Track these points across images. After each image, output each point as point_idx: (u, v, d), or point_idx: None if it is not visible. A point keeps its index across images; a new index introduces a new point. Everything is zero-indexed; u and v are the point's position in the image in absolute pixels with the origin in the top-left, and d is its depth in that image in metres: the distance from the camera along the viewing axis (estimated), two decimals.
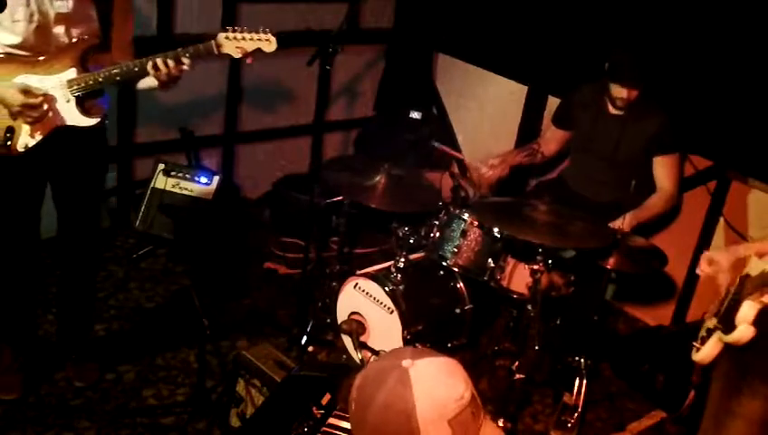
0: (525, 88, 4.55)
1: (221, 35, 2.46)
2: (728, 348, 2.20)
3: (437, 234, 3.28)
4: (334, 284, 3.42)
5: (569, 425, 3.02)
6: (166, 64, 2.49)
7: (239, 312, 3.73)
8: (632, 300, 4.15)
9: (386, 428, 1.40)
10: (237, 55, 2.48)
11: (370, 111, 5.13)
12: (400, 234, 3.30)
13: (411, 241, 3.29)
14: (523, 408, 3.26)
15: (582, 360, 3.10)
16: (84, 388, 3.06)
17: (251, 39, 2.46)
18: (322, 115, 4.30)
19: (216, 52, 2.48)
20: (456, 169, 3.58)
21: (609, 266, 3.05)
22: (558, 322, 3.36)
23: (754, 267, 2.19)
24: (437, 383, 1.40)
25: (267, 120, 4.67)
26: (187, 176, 4.02)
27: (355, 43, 4.70)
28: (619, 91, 3.39)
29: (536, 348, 3.06)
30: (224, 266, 4.02)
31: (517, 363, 3.03)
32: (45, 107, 2.53)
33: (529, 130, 4.53)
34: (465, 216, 3.22)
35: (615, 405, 3.39)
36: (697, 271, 2.37)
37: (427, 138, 4.91)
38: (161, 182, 4.00)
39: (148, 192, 4.01)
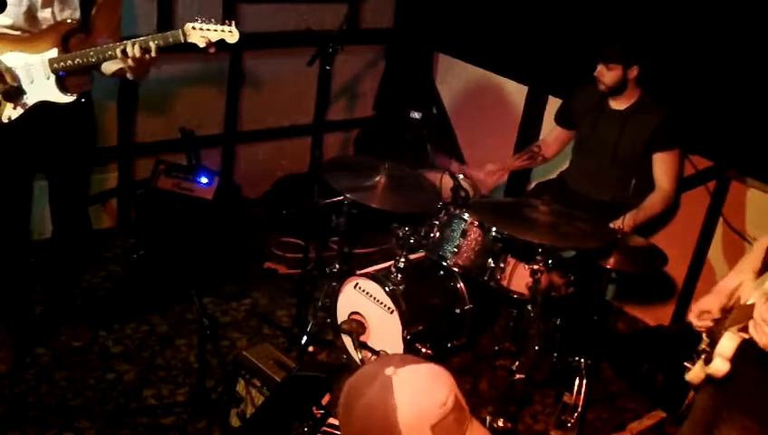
0: (525, 88, 4.55)
1: (188, 25, 2.64)
2: (709, 377, 2.14)
3: (437, 234, 3.28)
4: (334, 284, 3.42)
5: (569, 425, 3.02)
6: (134, 50, 2.64)
7: (239, 312, 3.74)
8: (632, 300, 4.15)
9: (370, 433, 1.43)
10: (202, 45, 2.66)
11: (370, 111, 5.13)
12: (400, 234, 3.29)
13: (411, 241, 3.29)
14: (523, 408, 3.26)
15: (582, 360, 3.10)
16: (84, 388, 3.06)
17: (215, 30, 2.65)
18: (322, 115, 4.29)
19: (182, 40, 2.64)
20: (455, 169, 3.58)
21: (609, 266, 3.05)
22: (558, 322, 3.36)
23: (747, 292, 2.10)
24: (419, 390, 1.42)
25: (267, 120, 4.67)
26: (187, 176, 4.03)
27: (355, 43, 4.70)
28: (598, 71, 3.44)
29: (536, 348, 3.06)
30: (224, 266, 4.02)
31: (517, 363, 3.03)
32: (15, 84, 2.72)
33: (529, 130, 4.53)
34: (466, 216, 3.22)
35: (615, 405, 3.40)
36: (691, 319, 2.24)
37: (428, 138, 4.91)
38: (161, 182, 4.00)
39: (149, 192, 4.01)
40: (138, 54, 2.63)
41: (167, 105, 4.22)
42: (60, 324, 3.32)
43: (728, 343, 2.00)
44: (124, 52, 2.64)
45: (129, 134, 4.17)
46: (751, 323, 1.91)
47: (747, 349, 1.99)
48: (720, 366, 2.02)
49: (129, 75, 2.78)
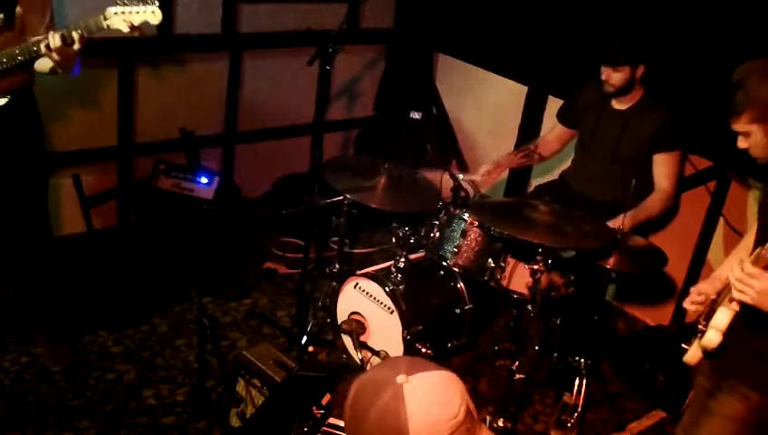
0: (525, 88, 4.55)
1: (109, 10, 2.50)
2: (706, 352, 2.20)
3: (437, 234, 3.28)
4: (334, 284, 3.42)
5: (569, 425, 3.02)
6: (56, 42, 2.51)
7: (239, 312, 3.74)
8: (632, 300, 4.15)
9: None
10: (126, 29, 2.51)
11: (370, 111, 5.13)
12: (400, 234, 3.30)
13: (411, 241, 3.29)
14: (523, 408, 3.26)
15: (582, 360, 3.10)
16: (84, 388, 3.06)
17: (137, 12, 2.50)
18: (322, 115, 4.30)
19: (104, 27, 2.52)
20: (455, 169, 3.59)
21: (609, 266, 3.05)
22: (558, 322, 3.36)
23: None
24: (431, 403, 1.39)
25: (267, 120, 4.67)
26: (187, 176, 4.03)
27: (355, 43, 4.70)
28: (602, 72, 3.44)
29: (536, 348, 3.07)
30: (224, 266, 4.02)
31: (517, 363, 3.03)
32: None
33: (529, 130, 4.53)
34: (466, 216, 3.22)
35: (615, 405, 3.39)
36: (684, 304, 2.34)
37: (428, 138, 4.92)
38: (161, 182, 4.00)
39: (149, 192, 4.01)
40: (59, 45, 2.49)
41: (167, 105, 4.22)
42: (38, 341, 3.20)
43: (722, 316, 2.07)
44: (48, 46, 2.51)
45: (130, 134, 4.17)
46: (734, 289, 1.98)
47: (738, 323, 2.06)
48: (713, 337, 2.07)
49: (58, 69, 2.64)
